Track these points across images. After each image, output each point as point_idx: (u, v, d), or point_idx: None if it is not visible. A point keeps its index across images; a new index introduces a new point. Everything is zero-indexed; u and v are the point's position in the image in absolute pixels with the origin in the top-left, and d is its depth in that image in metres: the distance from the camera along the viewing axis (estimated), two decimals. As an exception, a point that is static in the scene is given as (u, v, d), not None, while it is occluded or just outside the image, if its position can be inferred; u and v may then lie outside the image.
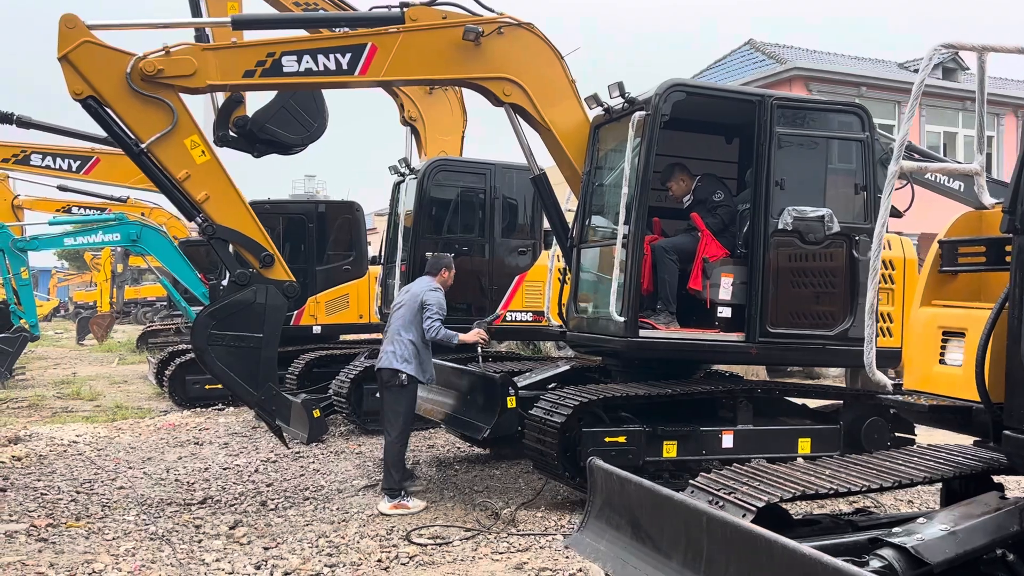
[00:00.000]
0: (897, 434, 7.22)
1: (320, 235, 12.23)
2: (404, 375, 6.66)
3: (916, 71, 25.71)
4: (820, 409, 7.42)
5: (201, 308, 14.36)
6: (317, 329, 11.92)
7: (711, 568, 3.24)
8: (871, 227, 6.83)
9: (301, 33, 7.58)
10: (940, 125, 24.13)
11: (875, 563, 3.13)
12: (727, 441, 6.65)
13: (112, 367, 19.08)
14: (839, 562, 2.69)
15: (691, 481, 4.20)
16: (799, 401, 7.40)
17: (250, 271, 6.61)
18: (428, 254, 10.13)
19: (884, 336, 6.96)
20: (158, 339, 21.23)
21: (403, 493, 6.67)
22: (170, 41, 6.44)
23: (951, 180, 11.83)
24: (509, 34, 7.03)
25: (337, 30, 7.35)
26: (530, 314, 10.23)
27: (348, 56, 6.70)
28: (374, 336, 13.38)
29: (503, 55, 7.04)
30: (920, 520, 3.36)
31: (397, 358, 6.69)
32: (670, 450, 6.51)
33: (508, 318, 10.12)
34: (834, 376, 14.89)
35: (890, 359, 6.78)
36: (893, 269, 7.13)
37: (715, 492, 4.00)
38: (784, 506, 4.02)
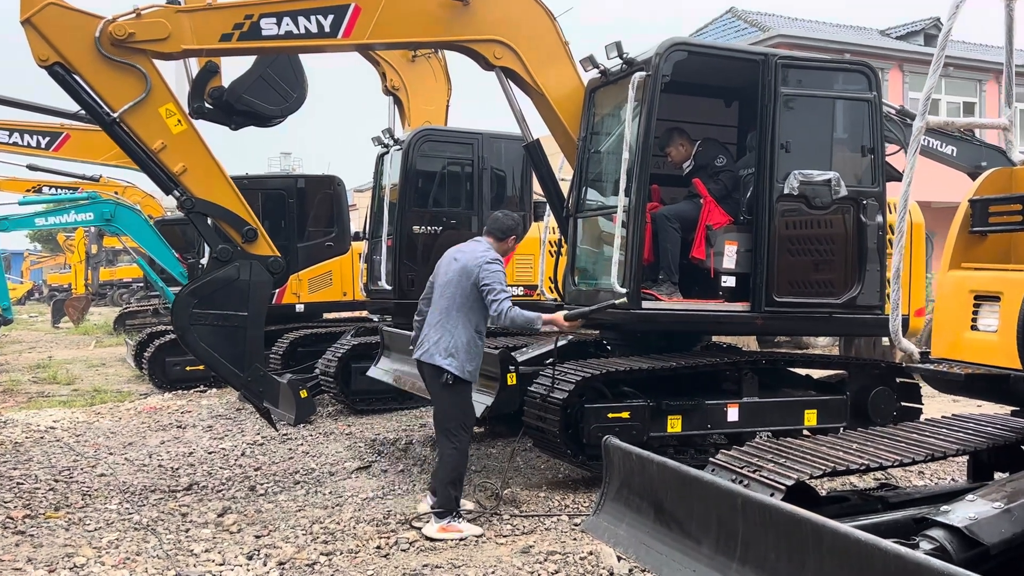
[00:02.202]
0: (903, 404, 7.07)
1: (300, 211, 11.92)
2: (448, 375, 5.39)
3: (898, 38, 25.57)
4: (824, 380, 7.24)
5: (180, 288, 14.00)
6: (300, 307, 11.64)
7: (748, 553, 3.01)
8: (879, 191, 6.63)
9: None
10: (922, 91, 23.95)
11: (925, 545, 2.90)
12: (733, 414, 6.44)
13: (89, 350, 18.63)
14: (899, 547, 2.46)
15: (712, 459, 3.97)
16: (802, 372, 7.22)
17: (232, 247, 6.30)
18: (415, 228, 9.86)
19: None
20: (135, 321, 20.81)
21: (457, 513, 5.47)
22: (142, 2, 6.08)
23: (943, 145, 11.68)
24: (499, -7, 6.70)
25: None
26: (521, 288, 9.95)
27: (330, 18, 6.36)
28: (359, 314, 13.07)
29: (493, 16, 6.71)
30: (968, 497, 3.13)
31: (441, 351, 5.40)
32: (675, 425, 6.29)
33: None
34: (823, 346, 14.75)
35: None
36: (900, 233, 6.90)
37: (739, 470, 3.78)
38: (811, 483, 3.82)
